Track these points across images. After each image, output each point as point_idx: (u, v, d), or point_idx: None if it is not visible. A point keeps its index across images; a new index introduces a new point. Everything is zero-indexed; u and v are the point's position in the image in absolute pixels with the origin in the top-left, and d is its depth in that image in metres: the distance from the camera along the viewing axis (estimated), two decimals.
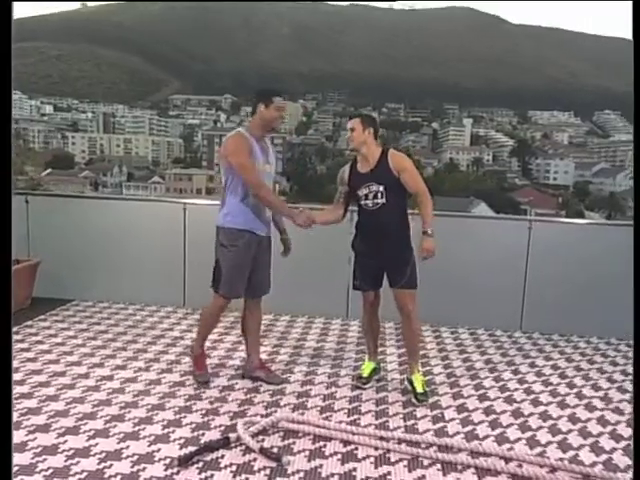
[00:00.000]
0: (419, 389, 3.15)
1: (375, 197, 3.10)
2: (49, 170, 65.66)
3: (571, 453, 2.66)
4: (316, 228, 3.23)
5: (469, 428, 2.89)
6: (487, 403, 3.20)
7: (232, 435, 2.64)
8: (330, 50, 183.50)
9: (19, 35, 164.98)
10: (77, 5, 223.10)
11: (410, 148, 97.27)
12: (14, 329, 4.13)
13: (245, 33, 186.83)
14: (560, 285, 4.50)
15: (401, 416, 2.99)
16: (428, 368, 3.71)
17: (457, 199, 49.14)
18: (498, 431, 2.86)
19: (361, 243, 3.25)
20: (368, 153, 3.15)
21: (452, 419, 2.99)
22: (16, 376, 3.27)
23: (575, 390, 3.45)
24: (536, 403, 3.23)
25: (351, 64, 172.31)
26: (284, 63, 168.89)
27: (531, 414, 3.08)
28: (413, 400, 3.13)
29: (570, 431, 2.89)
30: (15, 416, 2.76)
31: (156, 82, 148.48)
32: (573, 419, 3.04)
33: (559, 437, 2.82)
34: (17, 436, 2.56)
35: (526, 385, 3.50)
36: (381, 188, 3.08)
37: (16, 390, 3.07)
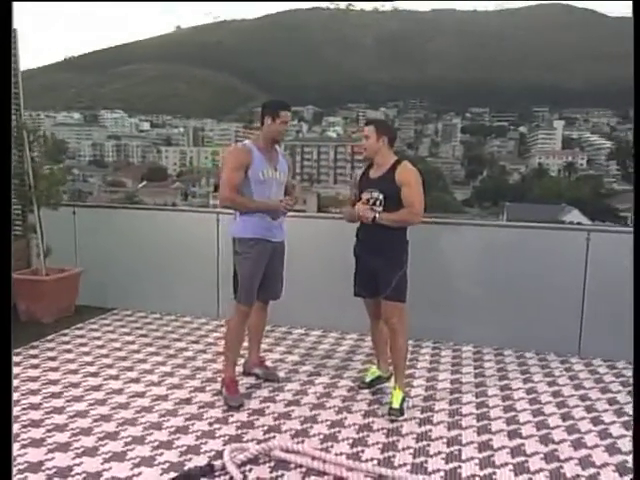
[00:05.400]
0: (394, 404, 3.02)
1: (374, 204, 3.05)
2: (144, 182, 70.31)
3: None
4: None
5: (488, 471, 2.51)
6: (517, 441, 2.79)
7: (217, 463, 2.47)
8: (416, 58, 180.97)
9: (123, 59, 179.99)
10: (172, 29, 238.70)
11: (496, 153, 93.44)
12: (50, 336, 4.28)
13: (333, 49, 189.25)
14: (624, 304, 3.89)
15: (411, 452, 2.67)
16: (457, 395, 3.33)
17: (547, 206, 46.30)
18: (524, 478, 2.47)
19: (358, 249, 3.22)
20: (381, 161, 3.12)
21: (470, 458, 2.62)
22: (33, 385, 3.34)
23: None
24: (578, 444, 2.77)
25: (436, 70, 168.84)
26: (368, 73, 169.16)
27: (570, 458, 2.64)
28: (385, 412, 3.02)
29: None
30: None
31: (243, 96, 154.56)
32: None
33: None
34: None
35: (570, 422, 3.02)
36: (381, 196, 3.04)
37: (28, 400, 3.13)
